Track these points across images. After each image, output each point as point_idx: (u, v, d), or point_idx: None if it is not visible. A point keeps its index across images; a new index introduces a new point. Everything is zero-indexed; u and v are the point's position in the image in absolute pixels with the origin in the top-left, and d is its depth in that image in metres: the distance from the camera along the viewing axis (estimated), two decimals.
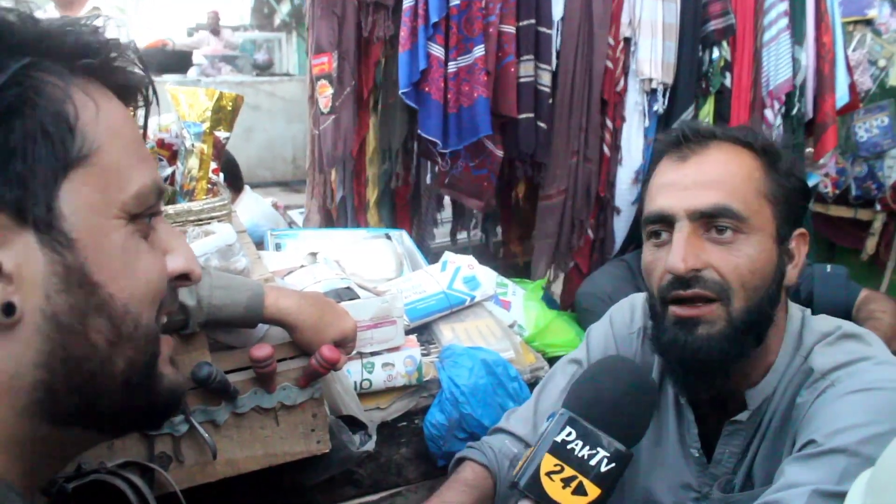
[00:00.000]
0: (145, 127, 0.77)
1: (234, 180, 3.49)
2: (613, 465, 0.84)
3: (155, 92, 0.76)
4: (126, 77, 0.72)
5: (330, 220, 2.80)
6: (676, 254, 1.15)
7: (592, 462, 0.84)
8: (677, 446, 1.34)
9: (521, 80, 2.48)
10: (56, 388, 0.64)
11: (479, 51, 2.35)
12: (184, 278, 0.75)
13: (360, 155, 2.65)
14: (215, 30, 10.80)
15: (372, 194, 2.69)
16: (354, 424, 1.57)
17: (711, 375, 1.21)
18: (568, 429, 0.85)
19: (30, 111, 0.60)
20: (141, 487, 1.09)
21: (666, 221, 1.19)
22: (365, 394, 1.68)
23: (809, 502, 1.01)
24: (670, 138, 1.25)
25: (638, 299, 1.49)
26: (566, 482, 0.83)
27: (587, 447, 0.84)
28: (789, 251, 1.22)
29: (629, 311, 1.48)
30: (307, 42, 2.76)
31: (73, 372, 0.64)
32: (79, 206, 0.63)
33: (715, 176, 1.17)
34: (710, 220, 1.16)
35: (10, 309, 0.60)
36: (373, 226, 2.69)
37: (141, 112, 0.76)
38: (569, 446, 0.84)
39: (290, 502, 1.63)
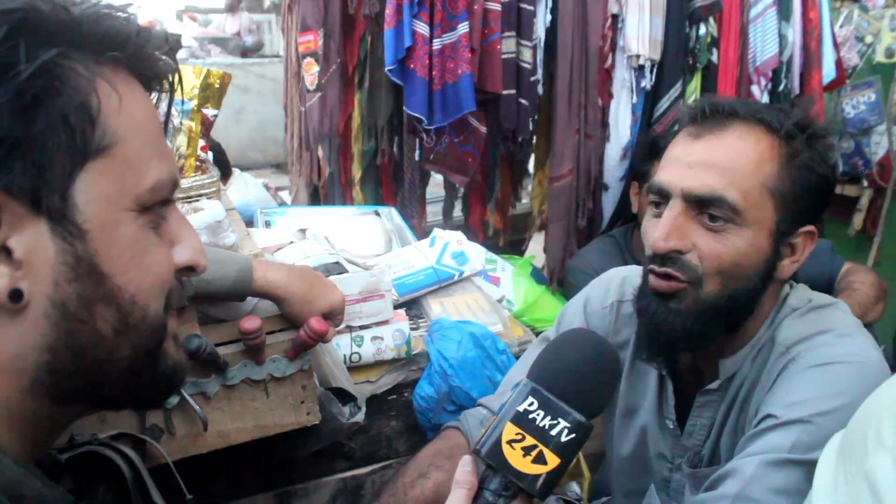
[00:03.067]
0: (168, 115, 0.77)
1: (222, 167, 3.48)
2: (573, 435, 0.84)
3: (180, 80, 0.76)
4: (154, 66, 0.72)
5: (317, 197, 2.81)
6: (660, 231, 1.15)
7: (553, 432, 0.84)
8: (655, 416, 1.36)
9: (504, 56, 2.48)
10: (60, 370, 0.65)
11: (463, 28, 2.35)
12: (189, 270, 0.76)
13: (346, 132, 2.66)
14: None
15: (357, 171, 2.70)
16: (344, 397, 1.59)
17: (672, 348, 1.23)
18: (530, 399, 0.86)
19: (54, 101, 0.60)
20: (133, 459, 1.10)
21: (663, 195, 1.18)
22: (354, 367, 1.70)
23: (759, 470, 1.03)
24: (691, 111, 1.21)
25: (616, 274, 1.50)
26: (527, 451, 0.84)
27: (548, 417, 0.85)
28: (792, 245, 1.19)
29: (605, 286, 1.48)
30: (282, 20, 2.77)
31: (78, 357, 0.65)
32: (93, 198, 0.63)
33: (721, 160, 1.13)
34: (704, 206, 1.13)
35: (17, 295, 0.61)
36: (358, 202, 2.70)
37: (159, 100, 0.76)
38: (530, 416, 0.85)
39: (281, 475, 1.66)
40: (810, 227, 1.19)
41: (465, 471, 0.85)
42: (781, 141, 1.16)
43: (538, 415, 0.85)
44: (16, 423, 0.65)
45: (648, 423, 1.37)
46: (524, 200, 3.30)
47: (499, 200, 2.96)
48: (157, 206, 0.70)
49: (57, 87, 0.61)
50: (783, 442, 1.05)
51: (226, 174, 3.51)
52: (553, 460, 0.84)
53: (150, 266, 0.69)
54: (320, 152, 2.66)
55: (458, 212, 3.00)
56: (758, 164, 1.14)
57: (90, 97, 0.63)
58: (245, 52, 9.85)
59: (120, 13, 0.67)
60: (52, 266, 0.62)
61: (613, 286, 1.46)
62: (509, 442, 0.84)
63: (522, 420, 0.85)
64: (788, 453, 1.03)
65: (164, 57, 0.73)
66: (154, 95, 0.74)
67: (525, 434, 0.84)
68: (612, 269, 1.53)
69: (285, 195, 4.06)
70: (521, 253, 3.26)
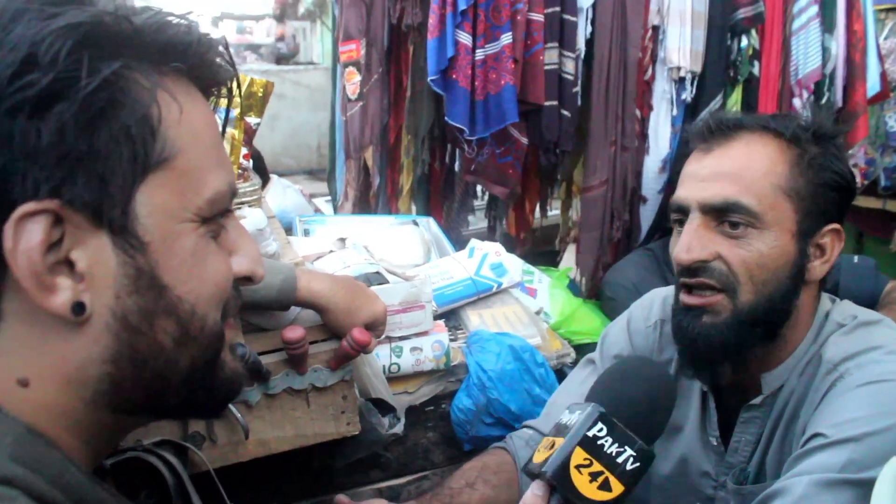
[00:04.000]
0: (226, 120, 0.78)
1: (262, 174, 3.53)
2: (639, 464, 0.86)
3: (239, 86, 0.76)
4: (214, 74, 0.72)
5: (364, 207, 2.82)
6: (682, 244, 1.18)
7: (620, 459, 0.85)
8: (698, 433, 1.34)
9: (546, 67, 2.47)
10: (122, 381, 0.65)
11: (506, 38, 2.35)
12: (247, 279, 0.76)
13: (395, 142, 2.67)
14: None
15: (406, 181, 2.70)
16: (383, 407, 1.59)
17: (713, 363, 1.24)
18: (599, 425, 0.87)
19: (116, 114, 0.60)
20: (175, 465, 1.11)
21: (683, 211, 1.21)
22: (393, 378, 1.70)
23: (809, 490, 1.01)
24: (697, 130, 1.25)
25: (658, 294, 1.49)
26: (593, 476, 0.85)
27: (616, 444, 0.86)
28: (820, 246, 1.20)
29: (648, 306, 1.48)
30: (335, 31, 2.78)
31: (140, 368, 0.66)
32: (154, 210, 0.63)
33: (731, 169, 1.17)
34: (722, 214, 1.16)
35: (80, 308, 0.61)
36: (405, 213, 2.71)
37: (216, 106, 0.76)
38: (599, 442, 0.86)
39: (319, 484, 1.66)
40: (835, 225, 1.21)
41: (535, 494, 0.86)
42: (789, 143, 1.19)
43: (606, 441, 0.86)
44: (80, 432, 0.66)
45: (691, 441, 1.35)
46: (554, 210, 3.29)
47: (520, 209, 2.95)
48: (217, 216, 0.70)
49: (120, 100, 0.60)
50: (833, 461, 1.03)
51: (265, 181, 3.55)
52: (617, 488, 0.85)
53: (209, 277, 0.69)
54: (370, 162, 2.67)
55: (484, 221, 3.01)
56: (768, 166, 1.17)
57: (151, 109, 0.63)
58: (279, 59, 9.97)
59: (182, 21, 0.67)
60: (114, 278, 0.62)
61: (656, 305, 1.46)
62: (577, 466, 0.85)
63: (591, 445, 0.86)
64: (839, 473, 1.01)
65: (224, 64, 0.73)
66: (211, 101, 0.74)
67: (593, 460, 0.85)
68: (654, 290, 1.53)
69: (320, 202, 4.07)
70: (555, 264, 3.25)
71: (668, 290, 1.47)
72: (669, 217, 2.50)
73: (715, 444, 1.31)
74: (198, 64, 0.69)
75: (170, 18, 0.66)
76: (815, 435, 1.08)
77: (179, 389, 0.69)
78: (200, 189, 0.67)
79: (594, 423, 0.87)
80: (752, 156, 1.18)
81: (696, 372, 1.29)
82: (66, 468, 0.62)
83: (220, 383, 0.74)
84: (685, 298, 1.20)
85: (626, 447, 0.86)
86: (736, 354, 1.21)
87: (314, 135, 7.96)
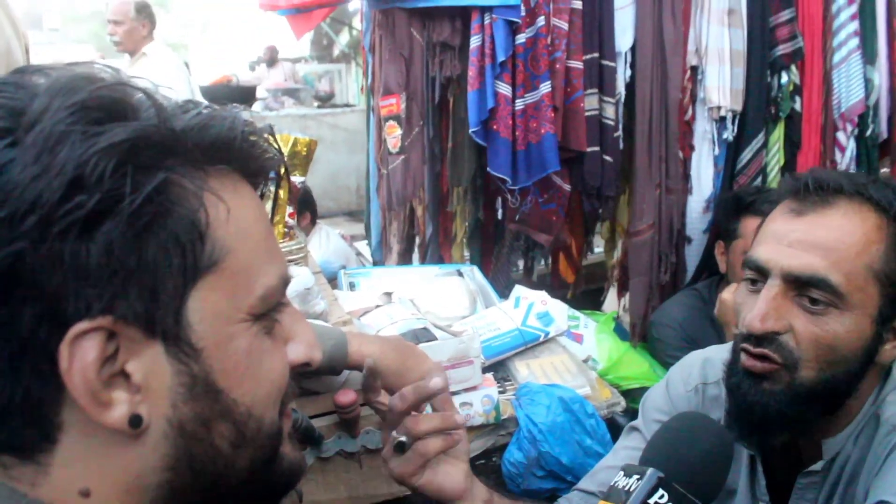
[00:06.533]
0: (274, 206, 0.77)
1: (312, 214, 3.63)
2: None
3: (287, 170, 0.76)
4: (259, 165, 0.71)
5: (411, 257, 2.84)
6: (757, 312, 1.10)
7: None
8: (748, 498, 1.31)
9: (587, 113, 2.48)
10: (181, 487, 0.65)
11: (545, 87, 2.37)
12: (304, 364, 0.75)
13: (447, 191, 2.70)
14: (273, 63, 11.07)
15: (460, 229, 2.72)
16: None
17: (766, 430, 1.16)
18: (661, 491, 0.85)
19: (164, 223, 0.60)
20: None
21: (761, 273, 1.14)
22: None
23: None
24: (793, 185, 1.16)
25: (696, 357, 1.44)
26: None
27: None
28: (895, 329, 1.12)
29: (687, 370, 1.43)
30: (365, 80, 2.82)
31: (198, 473, 0.65)
32: (206, 315, 0.63)
33: (824, 241, 1.08)
34: (804, 287, 1.09)
35: (137, 420, 0.60)
36: (458, 260, 2.73)
37: (265, 193, 0.75)
38: None
39: None
40: None
41: None
42: (890, 221, 1.10)
43: None
44: None
45: None
46: (597, 249, 3.28)
47: (570, 252, 2.95)
48: (270, 312, 0.69)
49: (167, 209, 0.60)
50: None
51: (313, 221, 3.64)
52: None
53: (265, 376, 0.68)
54: (420, 211, 2.69)
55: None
56: (864, 245, 1.08)
57: (199, 213, 0.62)
58: (319, 100, 10.12)
59: (225, 116, 0.66)
60: (169, 388, 0.62)
61: (695, 370, 1.41)
62: None
63: None
64: None
65: (269, 153, 0.72)
66: (259, 189, 0.73)
67: None
68: (693, 353, 1.48)
69: (361, 245, 4.11)
70: (598, 303, 3.23)
71: (708, 353, 1.43)
72: (714, 256, 2.46)
73: None
74: (243, 157, 0.68)
75: (212, 115, 0.66)
76: (881, 502, 1.04)
77: (238, 489, 0.69)
78: (252, 287, 0.66)
79: (655, 490, 0.85)
80: (849, 229, 1.09)
81: (742, 438, 1.21)
82: None
83: (278, 477, 0.73)
84: (746, 362, 1.13)
85: None
86: (791, 427, 1.15)
87: (353, 176, 8.03)
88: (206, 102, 0.68)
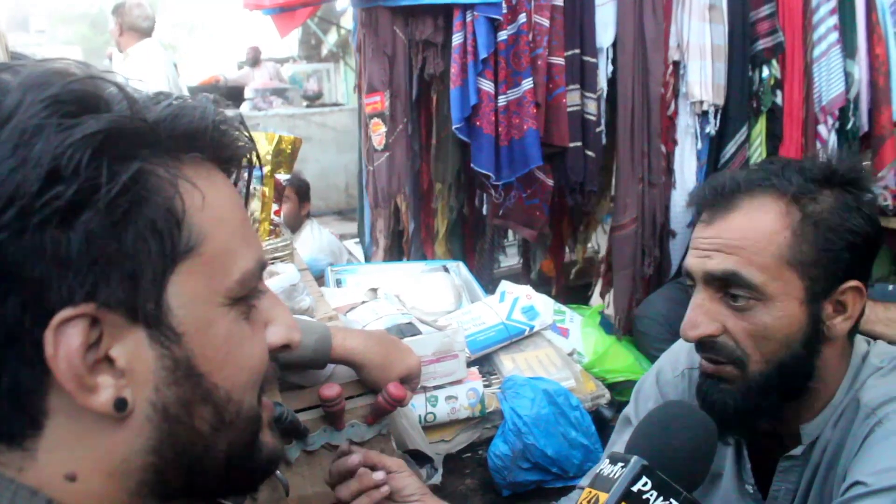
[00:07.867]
0: (247, 191, 0.79)
1: (303, 194, 3.69)
2: None
3: (258, 157, 0.77)
4: (232, 153, 0.72)
5: (396, 254, 2.86)
6: (688, 320, 1.15)
7: None
8: (734, 482, 1.33)
9: (569, 109, 2.50)
10: (164, 470, 0.67)
11: (527, 84, 2.38)
12: (283, 347, 0.77)
13: (428, 187, 2.71)
14: (256, 63, 11.06)
15: (442, 225, 2.74)
16: (421, 458, 1.60)
17: (732, 427, 1.19)
18: (644, 479, 0.86)
19: (141, 211, 0.61)
20: None
21: (692, 279, 1.19)
22: (429, 427, 1.71)
23: None
24: (698, 196, 1.21)
25: (683, 343, 1.47)
26: None
27: (661, 497, 0.85)
28: (841, 302, 1.14)
29: (675, 356, 1.46)
30: (357, 78, 2.83)
31: (180, 456, 0.67)
32: (185, 299, 0.64)
33: (732, 242, 1.13)
34: (726, 287, 1.13)
35: (122, 404, 0.62)
36: (441, 256, 2.74)
37: (238, 178, 0.76)
38: (644, 496, 0.85)
39: None
40: (854, 283, 1.14)
41: None
42: (792, 204, 1.13)
43: (651, 495, 0.85)
44: None
45: (728, 489, 1.34)
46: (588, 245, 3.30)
47: (552, 248, 2.97)
48: (247, 296, 0.71)
49: (143, 198, 0.61)
50: None
51: (305, 201, 3.71)
52: None
53: (244, 360, 0.70)
54: (403, 208, 2.71)
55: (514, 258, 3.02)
56: (769, 237, 1.11)
57: (174, 201, 0.63)
58: (307, 99, 10.10)
59: (196, 106, 0.68)
60: (153, 371, 0.63)
61: (682, 356, 1.44)
62: None
63: (635, 500, 0.85)
64: None
65: (241, 140, 0.73)
66: (233, 176, 0.75)
67: None
68: (680, 340, 1.51)
69: (350, 244, 4.12)
70: (587, 298, 3.25)
71: None
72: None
73: (752, 492, 1.30)
74: (215, 146, 0.70)
75: (183, 105, 0.67)
76: (856, 483, 1.06)
77: (219, 472, 0.70)
78: (229, 271, 0.68)
79: (638, 477, 0.86)
80: (752, 226, 1.13)
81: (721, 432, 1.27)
82: None
83: (258, 464, 0.75)
84: (705, 365, 1.19)
85: (672, 499, 0.85)
86: (752, 421, 1.18)
87: (342, 175, 8.04)
88: (176, 94, 0.69)
